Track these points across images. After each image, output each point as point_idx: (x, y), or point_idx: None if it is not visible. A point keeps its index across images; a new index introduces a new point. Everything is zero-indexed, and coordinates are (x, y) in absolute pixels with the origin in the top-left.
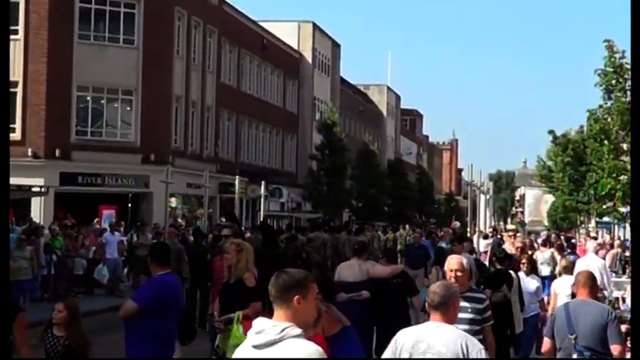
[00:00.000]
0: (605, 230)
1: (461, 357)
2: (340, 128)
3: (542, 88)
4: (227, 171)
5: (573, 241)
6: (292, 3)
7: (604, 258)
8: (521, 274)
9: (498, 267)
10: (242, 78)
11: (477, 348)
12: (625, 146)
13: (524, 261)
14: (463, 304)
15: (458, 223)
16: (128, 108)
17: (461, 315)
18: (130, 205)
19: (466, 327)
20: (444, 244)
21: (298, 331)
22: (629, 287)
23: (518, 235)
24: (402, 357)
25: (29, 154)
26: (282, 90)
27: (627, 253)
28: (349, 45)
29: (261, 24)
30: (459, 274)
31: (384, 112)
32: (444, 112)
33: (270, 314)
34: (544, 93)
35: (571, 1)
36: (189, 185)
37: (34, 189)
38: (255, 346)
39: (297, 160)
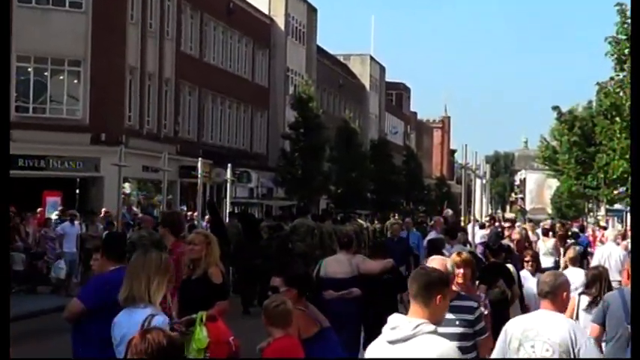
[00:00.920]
0: (616, 219)
1: (569, 345)
2: (317, 104)
3: (546, 59)
4: (188, 152)
5: (587, 235)
6: None
7: (627, 249)
8: (524, 273)
9: (493, 260)
10: (205, 47)
11: (584, 338)
12: None
13: (527, 258)
14: (449, 316)
15: (450, 211)
16: (75, 81)
17: (448, 330)
18: (77, 191)
19: (455, 344)
20: (434, 234)
21: (432, 327)
22: None
23: (518, 224)
24: (511, 345)
25: None
26: (251, 60)
27: None
28: (327, 9)
29: None
30: None
31: (367, 86)
32: (434, 86)
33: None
34: (548, 63)
35: None
36: (146, 169)
37: None
38: (389, 342)
39: (268, 140)
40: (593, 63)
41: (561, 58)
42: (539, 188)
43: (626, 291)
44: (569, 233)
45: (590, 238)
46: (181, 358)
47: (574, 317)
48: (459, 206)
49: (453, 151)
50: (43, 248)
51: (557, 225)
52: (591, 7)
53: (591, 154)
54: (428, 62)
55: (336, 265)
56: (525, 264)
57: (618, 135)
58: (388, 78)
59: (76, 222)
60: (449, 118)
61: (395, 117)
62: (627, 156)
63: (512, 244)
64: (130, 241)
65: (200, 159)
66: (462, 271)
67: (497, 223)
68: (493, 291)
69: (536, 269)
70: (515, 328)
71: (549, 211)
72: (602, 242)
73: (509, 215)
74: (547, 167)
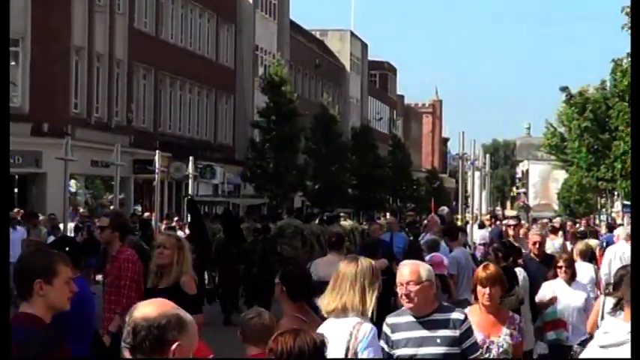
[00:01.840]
0: None
1: None
2: (290, 87)
3: (552, 32)
4: (143, 144)
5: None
6: None
7: None
8: (558, 282)
9: (503, 264)
10: (162, 23)
11: None
12: None
13: (561, 264)
14: (428, 333)
15: (446, 209)
16: (13, 63)
17: (427, 350)
18: (16, 190)
19: None
20: (429, 236)
21: None
22: None
23: (523, 223)
24: None
25: None
26: (215, 38)
27: None
28: None
29: None
30: (412, 288)
31: (347, 66)
32: (423, 66)
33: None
34: (554, 37)
35: None
36: (95, 163)
37: None
38: (601, 346)
39: (234, 130)
40: (607, 37)
41: (570, 31)
42: (544, 181)
43: None
44: (584, 232)
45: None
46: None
47: (599, 319)
48: (453, 203)
49: (446, 140)
50: None
51: (568, 224)
52: None
53: (605, 142)
54: (416, 39)
55: (327, 267)
56: (558, 271)
57: None
58: (371, 57)
59: (19, 227)
60: (440, 102)
61: (379, 101)
62: None
63: (532, 247)
64: (103, 247)
65: (157, 152)
66: (487, 290)
67: (498, 222)
68: (509, 299)
69: (572, 277)
70: None
71: (556, 207)
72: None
73: (510, 213)
74: (553, 157)
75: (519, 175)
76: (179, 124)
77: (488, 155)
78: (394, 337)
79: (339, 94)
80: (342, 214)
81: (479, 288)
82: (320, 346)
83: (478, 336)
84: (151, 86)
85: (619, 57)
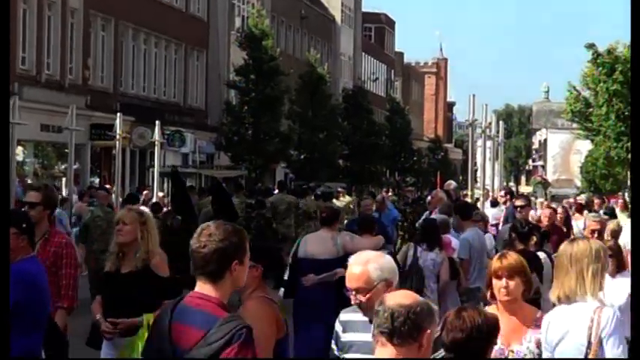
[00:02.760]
0: None
1: None
2: (272, 41)
3: None
4: (102, 106)
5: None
6: None
7: None
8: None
9: (521, 247)
10: None
11: None
12: None
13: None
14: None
15: (453, 183)
16: None
17: None
18: None
19: None
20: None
21: None
22: None
23: (541, 202)
24: None
25: None
26: None
27: None
28: None
29: None
30: (362, 297)
31: (338, 18)
32: (426, 19)
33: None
34: None
35: None
36: (45, 128)
37: None
38: None
39: (207, 91)
40: None
41: None
42: (565, 153)
43: None
44: (612, 209)
45: None
46: (495, 338)
47: None
48: (459, 178)
49: (451, 105)
50: None
51: (596, 201)
52: None
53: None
54: None
55: (318, 243)
56: None
57: None
58: (365, 7)
59: None
60: (445, 60)
61: (375, 59)
62: None
63: (590, 236)
64: (83, 223)
65: (118, 115)
66: (503, 283)
67: (514, 200)
68: None
69: (618, 266)
70: None
71: (578, 183)
72: None
73: (525, 189)
74: (576, 125)
75: (536, 145)
76: (143, 84)
77: (501, 122)
78: (345, 337)
79: (329, 51)
80: (339, 189)
81: (494, 281)
82: (497, 324)
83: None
84: (110, 39)
85: None
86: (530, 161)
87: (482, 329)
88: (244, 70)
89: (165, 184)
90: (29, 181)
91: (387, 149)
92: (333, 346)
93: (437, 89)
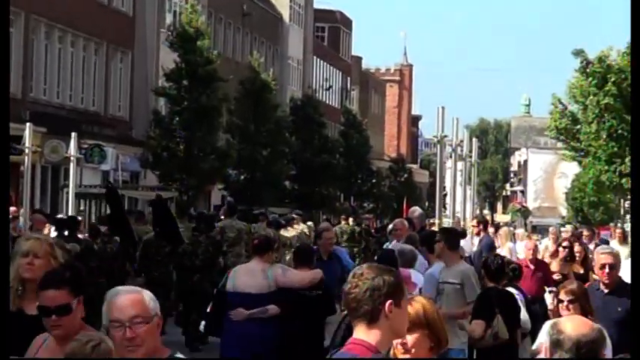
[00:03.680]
0: None
1: None
2: (209, 42)
3: None
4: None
5: None
6: None
7: None
8: None
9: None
10: None
11: None
12: None
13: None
14: None
15: (418, 210)
16: None
17: None
18: None
19: None
20: (397, 245)
21: None
22: None
23: (530, 236)
24: None
25: None
26: None
27: None
28: None
29: None
30: (139, 329)
31: (286, 16)
32: (388, 19)
33: None
34: None
35: None
36: None
37: None
38: None
39: (131, 98)
40: None
41: None
42: (548, 177)
43: None
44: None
45: None
46: None
47: None
48: (425, 204)
49: (417, 119)
50: None
51: (584, 233)
52: None
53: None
54: None
55: (247, 276)
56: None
57: None
58: (318, 4)
59: None
60: (410, 67)
61: (328, 64)
62: None
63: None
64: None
65: (28, 125)
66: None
67: (489, 229)
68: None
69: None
70: None
71: (564, 212)
72: None
73: (501, 218)
74: (562, 145)
75: (515, 167)
76: (57, 90)
77: (474, 140)
78: None
79: (275, 54)
80: (294, 215)
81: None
82: None
83: None
84: (19, 37)
85: None
86: (507, 186)
87: None
88: (176, 74)
89: (83, 206)
90: None
91: (342, 169)
92: None
93: (400, 100)
